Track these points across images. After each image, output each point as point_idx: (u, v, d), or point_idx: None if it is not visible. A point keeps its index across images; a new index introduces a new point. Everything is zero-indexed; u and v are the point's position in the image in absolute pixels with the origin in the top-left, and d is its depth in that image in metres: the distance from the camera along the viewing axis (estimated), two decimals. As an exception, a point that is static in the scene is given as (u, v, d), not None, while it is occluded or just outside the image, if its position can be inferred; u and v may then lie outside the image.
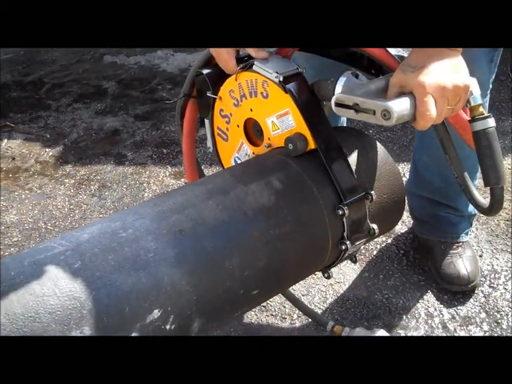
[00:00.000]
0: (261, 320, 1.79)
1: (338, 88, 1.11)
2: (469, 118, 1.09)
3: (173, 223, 0.99)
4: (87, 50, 3.78)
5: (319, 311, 1.80)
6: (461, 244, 1.87)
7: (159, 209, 1.02)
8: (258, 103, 1.24)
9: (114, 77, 3.46)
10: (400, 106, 0.98)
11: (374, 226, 1.19)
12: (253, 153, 1.30)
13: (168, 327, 0.94)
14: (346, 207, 1.12)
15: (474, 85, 1.06)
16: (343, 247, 1.16)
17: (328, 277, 1.25)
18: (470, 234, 1.97)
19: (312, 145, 1.16)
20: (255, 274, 1.05)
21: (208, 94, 1.32)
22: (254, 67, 1.20)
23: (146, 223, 0.98)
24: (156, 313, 0.92)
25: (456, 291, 1.82)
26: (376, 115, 0.99)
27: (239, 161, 1.34)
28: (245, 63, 1.23)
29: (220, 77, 1.29)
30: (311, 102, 1.18)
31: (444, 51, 1.01)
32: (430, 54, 1.01)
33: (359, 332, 1.58)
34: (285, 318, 1.79)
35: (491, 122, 1.07)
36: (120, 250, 0.93)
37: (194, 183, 1.16)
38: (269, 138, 1.25)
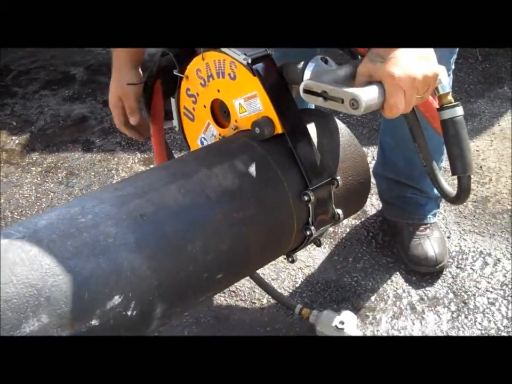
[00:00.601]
0: (231, 305, 1.78)
1: (307, 74, 1.09)
2: (437, 106, 1.08)
3: (133, 208, 0.98)
4: (54, 36, 3.72)
5: (289, 295, 1.80)
6: (428, 225, 1.88)
7: (120, 193, 1.00)
8: (225, 84, 1.22)
9: (82, 63, 3.40)
10: (368, 96, 0.97)
11: (339, 211, 1.18)
12: (220, 134, 1.29)
13: (129, 313, 0.93)
14: (311, 193, 1.12)
15: (443, 73, 1.05)
16: (308, 232, 1.15)
17: (292, 261, 1.25)
18: (438, 216, 1.99)
19: (279, 129, 1.15)
20: (219, 258, 1.04)
21: (174, 72, 1.30)
22: (222, 48, 1.18)
23: (107, 208, 0.96)
24: (117, 299, 0.91)
25: (424, 272, 1.84)
26: (345, 104, 0.98)
27: (205, 142, 1.33)
28: None
29: (186, 56, 1.27)
30: (279, 86, 1.16)
31: None
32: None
33: (327, 314, 1.58)
34: (254, 303, 1.79)
35: (459, 111, 1.06)
36: (79, 235, 0.91)
37: (156, 167, 1.14)
38: (236, 121, 1.24)
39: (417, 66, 0.98)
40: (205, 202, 1.03)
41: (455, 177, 1.11)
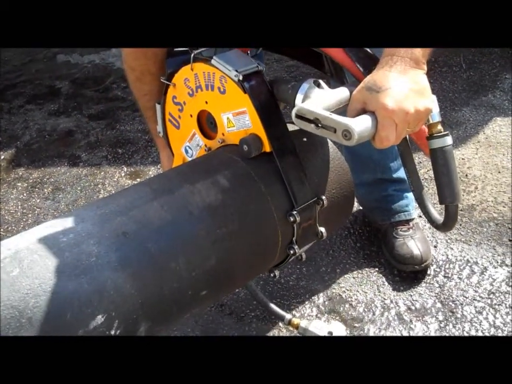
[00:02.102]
0: (219, 320, 1.78)
1: (299, 97, 1.08)
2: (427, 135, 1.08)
3: (116, 226, 0.97)
4: (40, 50, 3.71)
5: (277, 307, 1.80)
6: (411, 225, 1.93)
7: (102, 212, 0.99)
8: (214, 97, 1.20)
9: (68, 77, 3.41)
10: (361, 127, 0.96)
11: (322, 229, 1.19)
12: (205, 145, 1.28)
13: (113, 332, 0.92)
14: (297, 214, 1.12)
15: (434, 104, 1.05)
16: (291, 252, 1.16)
17: (274, 276, 1.25)
18: (425, 226, 1.99)
19: (267, 148, 1.13)
20: (203, 274, 1.03)
21: (161, 79, 1.28)
22: (212, 61, 1.16)
23: (88, 226, 0.95)
24: (100, 318, 0.90)
25: (411, 271, 1.86)
26: (337, 133, 0.96)
27: (190, 151, 1.32)
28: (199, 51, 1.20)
29: (176, 64, 1.26)
30: (269, 104, 1.14)
31: (409, 72, 1.00)
32: (396, 76, 0.99)
33: (315, 325, 1.58)
34: (242, 317, 1.78)
35: (448, 140, 1.06)
36: (60, 255, 0.90)
37: (139, 184, 1.14)
38: (223, 134, 1.23)
39: (411, 100, 0.98)
40: (188, 219, 1.02)
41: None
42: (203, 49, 1.21)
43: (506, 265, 1.88)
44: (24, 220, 2.28)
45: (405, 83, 0.98)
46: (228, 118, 1.20)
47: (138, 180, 2.43)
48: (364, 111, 1.00)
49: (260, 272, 1.25)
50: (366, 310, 1.78)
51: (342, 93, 1.05)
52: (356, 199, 2.02)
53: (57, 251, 0.91)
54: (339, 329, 1.59)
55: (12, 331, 0.82)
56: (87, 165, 2.59)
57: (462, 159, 2.39)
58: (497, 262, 1.90)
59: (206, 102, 1.22)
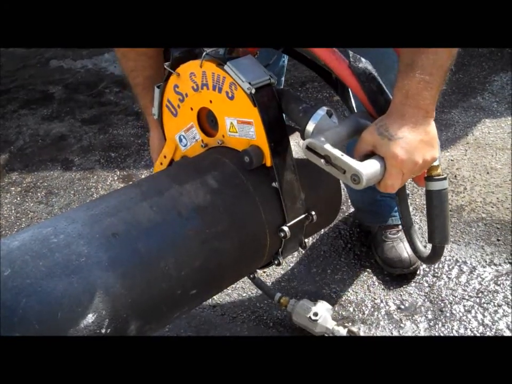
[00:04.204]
0: (211, 320, 1.79)
1: (311, 125, 1.07)
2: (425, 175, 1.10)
3: (106, 227, 0.99)
4: (33, 55, 3.73)
5: (269, 308, 1.82)
6: (400, 228, 1.93)
7: (92, 213, 1.01)
8: (220, 99, 1.18)
9: (61, 82, 3.42)
10: (370, 173, 0.98)
11: (306, 240, 1.23)
12: (202, 141, 1.27)
13: (103, 330, 0.94)
14: (288, 230, 1.14)
15: (439, 150, 1.07)
16: (276, 262, 1.21)
17: (254, 278, 1.34)
18: (415, 226, 2.01)
19: (268, 163, 1.14)
20: (192, 274, 1.05)
21: (165, 65, 1.25)
22: (225, 67, 1.13)
23: (78, 227, 0.97)
24: (90, 317, 0.92)
25: (399, 274, 1.88)
26: (346, 175, 0.99)
27: (184, 141, 1.31)
28: (212, 51, 1.17)
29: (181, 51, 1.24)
30: (276, 120, 1.14)
31: (420, 121, 1.01)
32: (409, 126, 1.00)
33: (302, 304, 1.65)
34: (234, 317, 1.80)
35: (446, 184, 1.09)
36: (51, 256, 0.92)
37: (129, 185, 1.15)
38: (223, 136, 1.22)
39: (421, 151, 1.00)
40: (177, 219, 1.04)
41: None
42: (216, 48, 1.19)
43: (495, 265, 1.90)
44: (18, 224, 2.30)
45: (416, 134, 1.00)
46: (231, 123, 1.19)
47: (131, 183, 2.45)
48: (371, 153, 1.02)
49: (249, 272, 1.27)
50: (356, 309, 1.80)
51: (352, 127, 1.07)
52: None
53: (48, 252, 0.92)
54: (325, 309, 1.65)
55: (3, 330, 0.84)
56: (80, 169, 2.61)
57: (451, 160, 2.41)
58: (486, 262, 1.92)
59: (211, 101, 1.20)
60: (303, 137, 1.09)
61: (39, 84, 3.42)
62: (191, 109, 1.25)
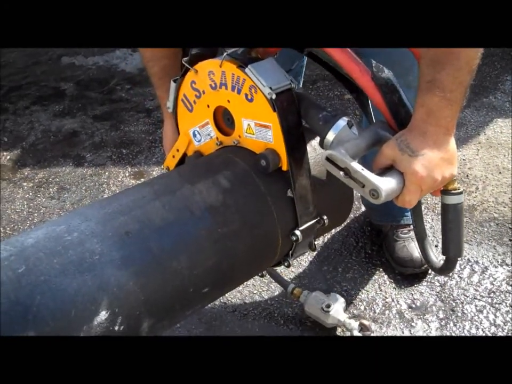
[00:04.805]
0: (222, 317, 1.80)
1: (331, 135, 1.06)
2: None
3: (119, 225, 0.99)
4: (44, 52, 3.74)
5: (279, 305, 1.83)
6: (412, 228, 1.92)
7: (105, 211, 1.02)
8: (239, 100, 1.17)
9: (72, 78, 3.43)
10: (389, 189, 0.99)
11: (315, 242, 1.23)
12: (217, 138, 1.26)
13: (116, 328, 0.94)
14: (300, 233, 1.14)
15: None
16: (286, 264, 1.21)
17: (262, 275, 1.34)
18: (426, 225, 2.01)
19: (284, 167, 1.14)
20: (205, 273, 1.05)
21: (183, 61, 1.24)
22: (247, 70, 1.12)
23: (92, 225, 0.98)
24: (104, 314, 0.92)
25: (410, 273, 1.88)
26: (365, 189, 1.00)
27: (198, 136, 1.30)
28: (233, 50, 1.16)
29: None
30: (295, 125, 1.13)
31: (441, 139, 1.01)
32: (429, 143, 1.00)
33: (315, 296, 1.67)
34: (245, 314, 1.81)
35: (461, 198, 1.09)
36: (65, 253, 0.92)
37: (142, 184, 1.16)
38: (239, 136, 1.21)
39: (440, 168, 1.01)
40: (189, 219, 1.05)
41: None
42: (237, 49, 1.17)
43: (507, 265, 1.90)
44: (30, 219, 2.31)
45: (436, 151, 1.00)
46: (248, 125, 1.18)
47: (142, 180, 2.46)
48: (391, 166, 1.03)
49: (261, 270, 1.27)
50: (367, 308, 1.80)
51: (371, 138, 1.07)
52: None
53: (62, 249, 0.93)
54: (338, 302, 1.66)
55: (17, 327, 0.85)
56: (92, 165, 2.62)
57: (463, 159, 2.41)
58: (498, 262, 1.91)
59: (228, 101, 1.19)
60: (321, 145, 1.09)
61: (51, 80, 3.43)
62: (208, 106, 1.25)
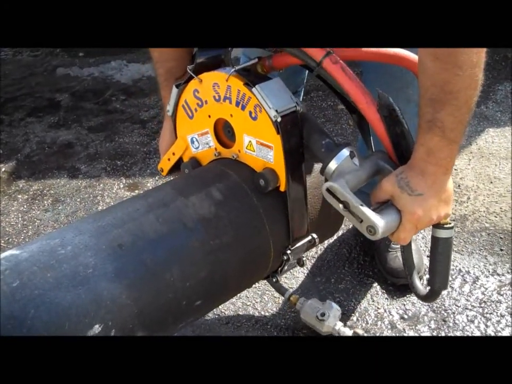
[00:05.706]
0: (215, 328, 1.81)
1: (333, 165, 1.08)
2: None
3: (112, 238, 1.01)
4: (40, 63, 3.76)
5: (273, 316, 1.83)
6: None
7: (99, 224, 1.03)
8: (242, 116, 1.18)
9: (67, 89, 3.45)
10: (386, 227, 1.02)
11: (303, 258, 1.26)
12: (216, 149, 1.27)
13: (110, 341, 0.96)
14: (291, 253, 1.16)
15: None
16: (274, 280, 1.25)
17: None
18: (418, 235, 2.03)
19: (282, 187, 1.16)
20: (197, 285, 1.07)
21: (188, 68, 1.25)
22: (254, 90, 1.13)
23: (85, 239, 0.99)
24: (97, 328, 0.93)
25: (402, 284, 1.88)
26: (362, 224, 1.02)
27: (196, 143, 1.32)
28: (240, 68, 1.17)
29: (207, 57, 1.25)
30: (296, 148, 1.15)
31: (440, 179, 1.04)
32: (430, 184, 1.03)
33: (311, 304, 1.68)
34: (239, 326, 1.81)
35: (452, 232, 1.11)
36: (58, 267, 0.94)
37: (135, 197, 1.17)
38: (239, 151, 1.22)
39: (437, 209, 1.04)
40: (182, 231, 1.06)
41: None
42: (244, 64, 1.19)
43: (498, 275, 1.91)
44: (24, 231, 2.32)
45: (435, 191, 1.03)
46: (250, 142, 1.19)
47: (136, 191, 2.47)
48: (388, 201, 1.05)
49: (253, 283, 1.29)
50: (359, 319, 1.81)
51: (371, 169, 1.09)
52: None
53: (56, 263, 0.94)
54: (334, 310, 1.66)
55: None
56: (87, 176, 2.63)
57: (455, 169, 2.43)
58: (489, 272, 1.93)
59: (231, 115, 1.20)
60: (322, 172, 1.10)
61: (46, 91, 3.45)
62: (209, 116, 1.25)
